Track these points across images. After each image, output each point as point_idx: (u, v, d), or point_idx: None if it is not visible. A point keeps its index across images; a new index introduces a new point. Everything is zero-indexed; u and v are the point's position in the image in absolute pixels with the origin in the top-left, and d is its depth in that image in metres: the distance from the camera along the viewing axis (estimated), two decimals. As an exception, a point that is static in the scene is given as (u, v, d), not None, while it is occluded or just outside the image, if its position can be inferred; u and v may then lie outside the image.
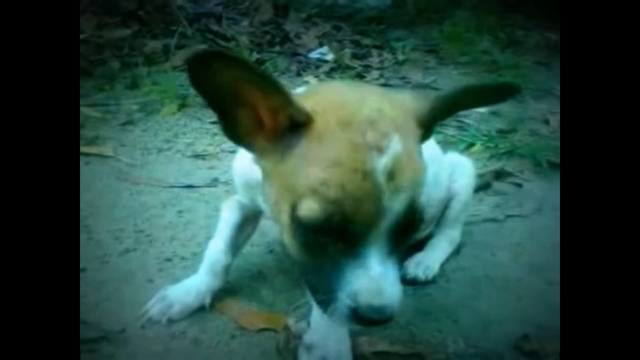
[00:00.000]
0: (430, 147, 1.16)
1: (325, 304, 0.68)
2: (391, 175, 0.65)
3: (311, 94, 0.73)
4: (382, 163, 0.64)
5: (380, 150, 0.65)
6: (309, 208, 0.64)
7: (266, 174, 0.73)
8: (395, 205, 0.65)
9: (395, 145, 0.65)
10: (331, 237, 0.65)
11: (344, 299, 0.65)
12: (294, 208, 0.66)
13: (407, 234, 0.69)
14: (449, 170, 1.20)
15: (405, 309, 1.00)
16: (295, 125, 0.67)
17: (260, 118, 0.69)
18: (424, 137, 0.74)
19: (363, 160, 0.64)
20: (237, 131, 0.70)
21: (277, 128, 0.68)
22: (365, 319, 0.65)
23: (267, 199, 0.74)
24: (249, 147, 0.72)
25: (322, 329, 0.86)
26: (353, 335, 0.88)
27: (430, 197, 1.12)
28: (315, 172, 0.64)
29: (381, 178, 0.64)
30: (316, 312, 0.88)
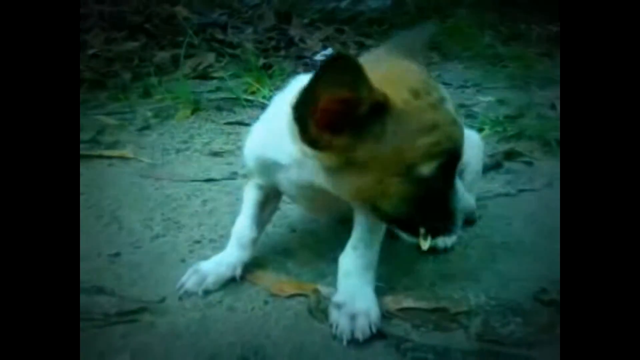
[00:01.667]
0: None
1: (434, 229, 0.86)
2: (455, 122, 0.81)
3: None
4: (451, 106, 0.81)
5: (445, 99, 0.81)
6: (429, 167, 0.78)
7: (339, 166, 0.79)
8: (460, 142, 0.82)
9: (444, 89, 0.82)
10: (441, 179, 0.80)
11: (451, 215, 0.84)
12: (408, 173, 0.77)
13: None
14: None
15: (427, 272, 1.05)
16: (374, 109, 0.74)
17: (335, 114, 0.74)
18: None
19: (447, 112, 0.80)
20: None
21: (356, 117, 0.74)
22: (466, 222, 0.86)
23: (342, 186, 0.82)
24: (325, 147, 0.77)
25: (349, 289, 0.91)
26: (378, 295, 0.93)
27: None
28: (423, 139, 0.77)
29: (456, 116, 0.81)
30: (342, 276, 0.93)
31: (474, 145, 1.25)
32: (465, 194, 0.85)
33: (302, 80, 1.06)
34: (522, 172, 1.61)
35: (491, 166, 1.59)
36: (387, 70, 0.80)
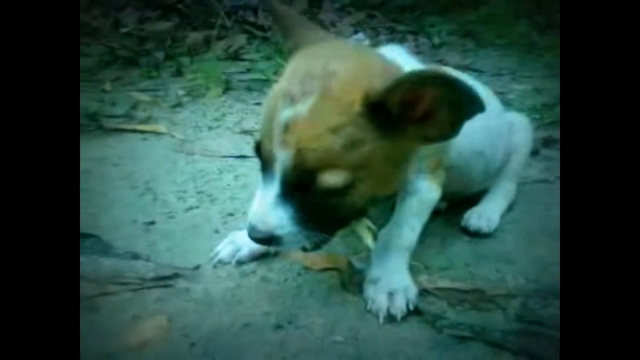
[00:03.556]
0: (493, 102, 1.19)
1: None
2: (287, 126, 0.71)
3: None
4: (285, 113, 0.71)
5: (291, 102, 0.71)
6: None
7: None
8: (282, 155, 0.72)
9: (305, 104, 0.70)
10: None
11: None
12: None
13: (303, 191, 0.73)
14: (508, 124, 1.22)
15: (460, 253, 1.03)
16: None
17: None
18: (386, 120, 0.72)
19: (274, 103, 0.73)
20: None
21: None
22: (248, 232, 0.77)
23: None
24: None
25: (386, 265, 0.90)
26: (413, 275, 0.91)
27: (497, 150, 1.14)
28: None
29: (277, 125, 0.72)
30: (379, 252, 0.92)
31: (523, 129, 1.23)
32: (272, 217, 0.75)
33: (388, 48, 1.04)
34: (558, 159, 1.57)
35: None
36: (325, 48, 0.80)
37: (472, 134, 1.01)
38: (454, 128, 0.72)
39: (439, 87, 0.68)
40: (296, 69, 0.75)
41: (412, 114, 0.72)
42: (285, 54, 0.85)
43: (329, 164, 0.71)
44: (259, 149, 0.77)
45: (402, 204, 0.93)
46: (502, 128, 1.18)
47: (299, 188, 0.73)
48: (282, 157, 0.72)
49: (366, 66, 0.75)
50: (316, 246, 0.80)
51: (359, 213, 0.82)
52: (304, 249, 0.81)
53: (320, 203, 0.74)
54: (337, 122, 0.70)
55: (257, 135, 0.78)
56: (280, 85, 0.75)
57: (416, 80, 0.68)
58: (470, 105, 0.68)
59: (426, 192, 0.93)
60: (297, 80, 0.73)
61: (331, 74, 0.72)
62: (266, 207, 0.75)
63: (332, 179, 0.71)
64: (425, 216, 0.95)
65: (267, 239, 0.76)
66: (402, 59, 0.95)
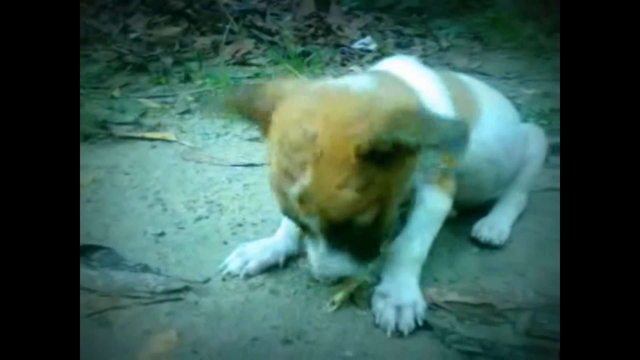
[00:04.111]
0: (508, 111, 1.20)
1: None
2: (301, 200, 0.78)
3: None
4: (293, 190, 0.78)
5: (292, 179, 0.77)
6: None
7: None
8: (312, 223, 0.80)
9: (305, 178, 0.76)
10: None
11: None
12: None
13: (349, 238, 0.82)
14: (523, 135, 1.22)
15: (469, 266, 1.03)
16: None
17: None
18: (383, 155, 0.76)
19: (279, 183, 0.80)
20: None
21: None
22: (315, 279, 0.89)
23: None
24: None
25: (395, 279, 0.90)
26: (422, 286, 0.91)
27: (511, 158, 1.15)
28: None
29: (293, 201, 0.79)
30: (390, 265, 0.92)
31: (538, 141, 1.23)
32: (335, 265, 0.85)
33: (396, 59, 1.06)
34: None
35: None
36: (291, 109, 0.83)
37: (486, 141, 1.03)
38: (453, 158, 0.82)
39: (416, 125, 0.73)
40: (281, 143, 0.79)
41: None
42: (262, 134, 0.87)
43: (354, 212, 0.78)
44: (291, 218, 0.86)
45: (411, 216, 0.94)
46: (517, 137, 1.17)
47: (341, 236, 0.81)
48: (312, 222, 0.80)
49: (345, 116, 0.77)
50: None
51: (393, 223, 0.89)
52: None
53: (364, 237, 0.83)
54: (341, 179, 0.76)
55: (279, 206, 0.85)
56: (274, 163, 0.81)
57: (394, 126, 0.73)
58: (456, 138, 0.73)
59: (434, 203, 0.94)
60: (286, 157, 0.78)
61: (313, 139, 0.76)
62: (323, 257, 0.84)
63: (362, 219, 0.79)
64: (435, 228, 0.95)
65: (338, 280, 0.88)
66: (411, 73, 0.96)
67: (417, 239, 0.92)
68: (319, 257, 0.84)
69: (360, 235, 0.82)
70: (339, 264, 0.83)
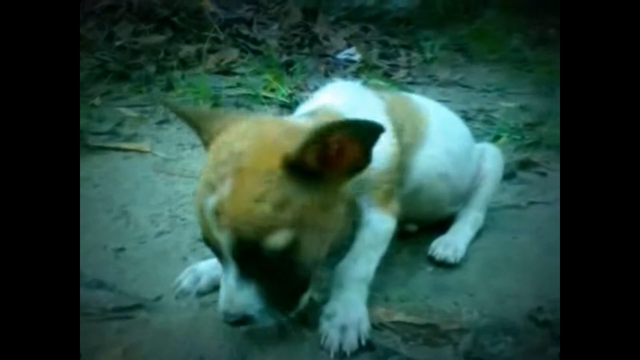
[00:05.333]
0: (457, 126, 1.24)
1: None
2: (217, 212, 0.77)
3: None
4: (211, 201, 0.77)
5: (213, 190, 0.77)
6: None
7: None
8: (223, 239, 0.77)
9: (225, 187, 0.76)
10: None
11: None
12: None
13: (257, 264, 0.78)
14: (478, 152, 1.26)
15: (422, 284, 1.05)
16: None
17: None
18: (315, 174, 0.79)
19: (200, 197, 0.80)
20: None
21: None
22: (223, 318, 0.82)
23: None
24: None
25: (341, 300, 0.91)
26: (370, 307, 0.93)
27: (463, 172, 1.17)
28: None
29: (209, 214, 0.78)
30: (337, 286, 0.93)
31: (494, 158, 1.26)
32: (241, 300, 0.79)
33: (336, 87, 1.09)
34: (535, 183, 1.58)
35: (505, 176, 1.57)
36: (229, 132, 0.85)
37: (435, 156, 1.08)
38: (366, 156, 0.80)
39: (339, 131, 0.75)
40: (211, 160, 0.82)
41: (328, 160, 0.78)
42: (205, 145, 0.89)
43: (266, 230, 0.76)
44: (207, 241, 0.83)
45: (357, 237, 0.96)
46: (469, 152, 1.21)
47: (252, 262, 0.78)
48: (224, 240, 0.77)
49: (274, 136, 0.81)
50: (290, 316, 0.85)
51: (315, 270, 0.86)
52: (287, 314, 0.84)
53: (278, 269, 0.79)
54: (261, 191, 0.76)
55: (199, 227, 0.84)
56: (200, 181, 0.83)
57: (320, 133, 0.75)
58: (370, 132, 0.76)
59: (378, 223, 0.96)
60: (212, 170, 0.80)
61: (239, 154, 0.78)
62: (230, 290, 0.79)
63: (274, 240, 0.76)
64: (381, 248, 0.97)
65: (242, 321, 0.81)
66: (346, 101, 1.00)
67: (363, 259, 0.94)
68: (227, 290, 0.80)
69: (273, 266, 0.78)
70: (246, 300, 0.79)
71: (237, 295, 0.79)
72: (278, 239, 0.76)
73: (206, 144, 0.88)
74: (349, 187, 0.87)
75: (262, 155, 0.78)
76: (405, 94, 1.26)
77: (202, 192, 0.80)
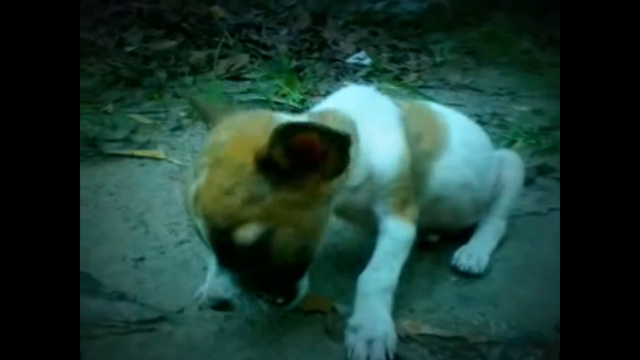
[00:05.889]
0: (481, 135, 1.22)
1: None
2: (195, 199, 0.80)
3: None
4: (191, 188, 0.80)
5: (195, 177, 0.80)
6: None
7: None
8: (200, 225, 0.80)
9: (202, 176, 0.79)
10: None
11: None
12: None
13: (235, 258, 0.80)
14: (498, 160, 1.24)
15: (447, 295, 1.04)
16: None
17: None
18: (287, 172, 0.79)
19: (186, 182, 0.83)
20: None
21: None
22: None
23: None
24: None
25: (367, 311, 0.90)
26: (396, 319, 0.92)
27: (484, 182, 1.16)
28: None
29: (190, 200, 0.81)
30: (360, 298, 0.92)
31: (513, 166, 1.24)
32: (221, 289, 0.82)
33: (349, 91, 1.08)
34: (553, 189, 1.56)
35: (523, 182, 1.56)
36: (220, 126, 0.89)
37: (456, 166, 1.07)
38: (340, 161, 0.79)
39: (302, 132, 0.76)
40: (199, 150, 0.86)
41: (298, 159, 0.78)
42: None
43: (235, 222, 0.77)
44: (194, 226, 0.85)
45: (377, 246, 0.95)
46: (489, 161, 1.19)
47: (227, 251, 0.80)
48: (201, 227, 0.80)
49: (253, 130, 0.82)
50: (283, 303, 0.88)
51: (298, 267, 0.87)
52: (276, 304, 0.87)
53: (251, 261, 0.80)
54: (231, 183, 0.77)
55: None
56: (188, 170, 0.85)
57: (282, 133, 0.75)
58: (335, 138, 0.76)
59: (397, 231, 0.96)
60: (198, 157, 0.83)
61: (220, 144, 0.81)
62: (211, 276, 0.82)
63: (243, 233, 0.78)
64: (402, 255, 0.96)
65: (221, 305, 0.83)
66: (357, 106, 0.99)
67: (385, 269, 0.93)
68: (210, 277, 0.83)
69: (247, 257, 0.79)
70: (222, 286, 0.81)
71: (216, 280, 0.82)
72: (247, 233, 0.77)
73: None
74: (334, 189, 0.86)
75: (238, 148, 0.79)
76: (425, 102, 1.25)
77: (187, 178, 0.83)
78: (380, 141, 0.94)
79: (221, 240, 0.79)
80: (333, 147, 0.77)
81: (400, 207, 0.95)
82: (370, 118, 0.96)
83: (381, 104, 1.04)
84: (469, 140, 1.13)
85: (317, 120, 0.91)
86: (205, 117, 0.96)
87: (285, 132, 0.75)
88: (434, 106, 1.20)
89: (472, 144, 1.14)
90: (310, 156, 0.78)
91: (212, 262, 0.83)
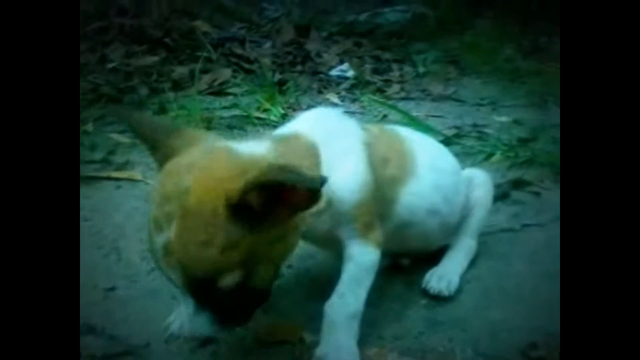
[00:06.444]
0: (449, 160, 1.22)
1: None
2: (165, 251, 0.77)
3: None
4: (159, 240, 0.77)
5: (161, 229, 0.77)
6: None
7: None
8: (175, 276, 0.78)
9: (170, 229, 0.76)
10: None
11: None
12: None
13: (215, 300, 0.79)
14: (466, 180, 1.25)
15: (416, 319, 1.04)
16: None
17: None
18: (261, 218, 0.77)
19: (150, 233, 0.79)
20: None
21: None
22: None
23: None
24: None
25: (333, 341, 0.90)
26: (363, 347, 0.91)
27: (453, 207, 1.16)
28: None
29: (160, 252, 0.78)
30: (326, 326, 0.92)
31: (483, 185, 1.24)
32: (200, 328, 0.82)
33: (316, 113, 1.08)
34: (529, 203, 1.57)
35: (498, 196, 1.56)
36: (173, 164, 0.83)
37: (423, 192, 1.07)
38: (312, 200, 0.77)
39: (278, 180, 0.74)
40: (157, 192, 0.80)
41: (271, 202, 0.76)
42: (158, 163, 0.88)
43: (215, 272, 0.76)
44: (157, 266, 0.83)
45: (342, 272, 0.95)
46: (457, 186, 1.19)
47: (205, 296, 0.79)
48: (175, 277, 0.78)
49: (216, 171, 0.78)
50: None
51: (269, 290, 0.88)
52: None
53: (232, 299, 0.80)
54: (206, 234, 0.74)
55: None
56: (150, 212, 0.81)
57: (257, 182, 0.74)
58: (309, 182, 0.76)
59: (361, 255, 0.95)
60: (158, 205, 0.78)
61: (185, 191, 0.76)
62: (190, 314, 0.81)
63: (225, 281, 0.77)
64: (367, 280, 0.95)
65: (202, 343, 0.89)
66: (321, 131, 0.97)
67: (350, 295, 0.93)
68: (189, 317, 0.81)
69: (227, 299, 0.79)
70: (202, 325, 0.81)
71: (196, 320, 0.81)
72: (228, 280, 0.77)
73: (160, 164, 0.85)
74: (304, 217, 0.86)
75: (206, 194, 0.75)
76: (394, 127, 1.25)
77: (151, 229, 0.79)
78: (342, 166, 0.93)
79: (201, 289, 0.78)
80: (307, 191, 0.77)
81: (364, 231, 0.95)
82: (334, 142, 0.96)
83: (346, 128, 1.03)
84: (437, 166, 1.13)
85: (280, 147, 0.90)
86: (150, 143, 0.88)
87: (257, 182, 0.74)
88: (403, 131, 1.20)
89: (440, 169, 1.14)
90: (283, 195, 0.77)
91: (188, 302, 0.81)
